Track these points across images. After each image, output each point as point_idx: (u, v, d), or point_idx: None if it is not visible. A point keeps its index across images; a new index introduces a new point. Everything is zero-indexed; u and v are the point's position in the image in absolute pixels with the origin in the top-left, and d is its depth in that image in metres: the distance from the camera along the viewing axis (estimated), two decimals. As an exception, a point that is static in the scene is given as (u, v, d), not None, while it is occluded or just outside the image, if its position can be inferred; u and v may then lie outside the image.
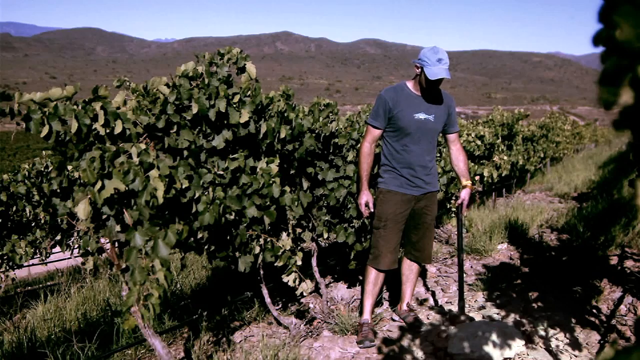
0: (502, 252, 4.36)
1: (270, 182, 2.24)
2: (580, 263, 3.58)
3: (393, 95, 2.62)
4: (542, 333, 2.63)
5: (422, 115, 2.63)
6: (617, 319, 2.68)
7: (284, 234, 2.56)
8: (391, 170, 2.71)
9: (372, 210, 2.71)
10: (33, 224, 4.64)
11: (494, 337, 2.47)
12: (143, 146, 1.76)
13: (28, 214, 4.54)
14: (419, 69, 2.57)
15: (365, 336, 2.70)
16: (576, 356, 2.37)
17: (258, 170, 2.26)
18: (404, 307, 3.04)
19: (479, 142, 5.96)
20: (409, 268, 2.97)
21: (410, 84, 2.68)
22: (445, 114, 2.72)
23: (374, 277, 2.79)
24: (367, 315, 2.83)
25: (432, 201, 2.80)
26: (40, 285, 5.55)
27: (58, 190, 2.23)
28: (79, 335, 2.64)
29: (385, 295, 3.47)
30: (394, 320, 3.05)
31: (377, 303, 3.14)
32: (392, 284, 3.48)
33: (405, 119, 2.60)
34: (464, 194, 2.81)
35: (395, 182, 2.70)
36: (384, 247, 2.72)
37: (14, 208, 4.51)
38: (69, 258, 5.62)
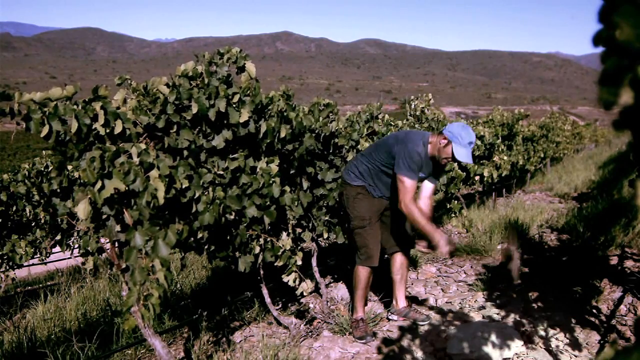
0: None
1: (270, 182, 2.24)
2: (580, 263, 3.58)
3: (422, 159, 2.65)
4: (542, 333, 2.63)
5: (422, 174, 2.74)
6: (617, 319, 2.68)
7: (284, 234, 2.56)
8: (370, 185, 2.83)
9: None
10: (33, 224, 4.63)
11: (493, 337, 2.47)
12: (143, 146, 1.76)
13: (28, 214, 4.54)
14: (446, 141, 2.58)
15: (365, 331, 2.78)
16: (576, 356, 2.37)
17: (258, 170, 2.26)
18: (404, 303, 3.05)
19: (478, 142, 5.95)
20: (401, 263, 3.04)
21: (429, 146, 2.68)
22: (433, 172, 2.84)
23: (367, 277, 2.87)
24: (362, 313, 2.91)
25: None
26: (40, 285, 5.55)
27: (58, 190, 2.23)
28: (79, 335, 2.64)
29: (375, 297, 3.47)
30: (389, 319, 3.06)
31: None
32: (378, 284, 3.48)
33: None
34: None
35: (372, 189, 2.84)
36: (374, 244, 2.84)
37: (14, 208, 4.51)
38: (69, 258, 5.62)
